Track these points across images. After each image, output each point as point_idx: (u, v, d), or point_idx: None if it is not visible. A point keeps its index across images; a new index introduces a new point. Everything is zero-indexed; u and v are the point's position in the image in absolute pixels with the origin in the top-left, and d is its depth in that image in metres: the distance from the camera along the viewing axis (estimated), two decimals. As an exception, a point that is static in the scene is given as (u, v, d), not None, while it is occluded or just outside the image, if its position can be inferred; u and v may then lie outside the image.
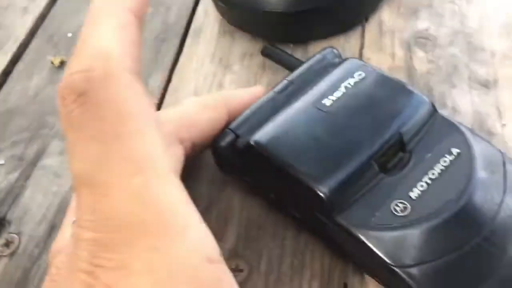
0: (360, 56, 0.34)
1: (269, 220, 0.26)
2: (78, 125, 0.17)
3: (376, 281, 0.24)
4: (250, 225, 0.26)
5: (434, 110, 0.26)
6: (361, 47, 0.34)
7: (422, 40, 0.34)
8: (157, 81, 0.34)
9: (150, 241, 0.16)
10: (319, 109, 0.25)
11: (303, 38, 0.34)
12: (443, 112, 0.28)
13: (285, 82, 0.28)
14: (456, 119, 0.27)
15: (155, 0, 0.40)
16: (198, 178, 0.28)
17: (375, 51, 0.34)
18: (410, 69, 0.32)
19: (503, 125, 0.29)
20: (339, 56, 0.30)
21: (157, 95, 0.34)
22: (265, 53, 0.34)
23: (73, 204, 0.24)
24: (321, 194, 0.22)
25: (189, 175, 0.28)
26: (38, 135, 0.33)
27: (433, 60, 0.33)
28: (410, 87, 0.26)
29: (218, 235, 0.25)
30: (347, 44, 0.35)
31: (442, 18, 0.35)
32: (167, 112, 0.27)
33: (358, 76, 0.27)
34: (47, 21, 0.40)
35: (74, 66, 0.17)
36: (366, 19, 0.36)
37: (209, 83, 0.34)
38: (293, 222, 0.26)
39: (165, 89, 0.34)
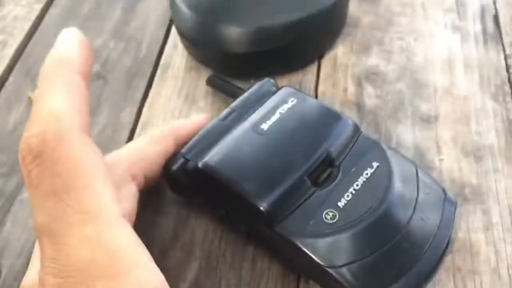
0: (316, 91, 0.37)
1: (228, 252, 0.29)
2: (36, 182, 0.19)
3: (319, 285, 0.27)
4: (211, 257, 0.29)
5: (357, 130, 0.29)
6: (317, 82, 0.37)
7: (373, 76, 0.37)
8: (128, 116, 0.37)
9: (105, 282, 0.19)
10: (258, 133, 0.29)
11: (263, 74, 0.37)
12: (388, 146, 0.31)
13: (228, 110, 0.31)
14: (399, 153, 0.30)
15: (127, 34, 0.43)
16: (163, 212, 0.31)
17: (329, 86, 0.37)
18: (360, 104, 0.35)
19: (441, 159, 0.32)
20: (276, 85, 0.33)
21: (128, 130, 0.36)
22: (210, 83, 0.37)
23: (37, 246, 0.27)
24: (261, 208, 0.26)
25: (155, 210, 0.31)
26: (17, 169, 0.35)
27: (381, 96, 0.36)
28: (336, 111, 0.30)
29: (182, 266, 0.28)
30: (304, 79, 0.38)
31: (391, 54, 0.38)
32: (120, 151, 0.30)
33: (291, 102, 0.30)
34: (24, 56, 0.42)
35: (31, 129, 0.20)
36: (322, 56, 0.39)
37: (176, 118, 0.36)
38: (249, 253, 0.29)
39: (135, 124, 0.36)
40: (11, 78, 0.41)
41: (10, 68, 0.41)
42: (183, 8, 0.37)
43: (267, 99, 0.31)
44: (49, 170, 0.19)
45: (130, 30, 0.43)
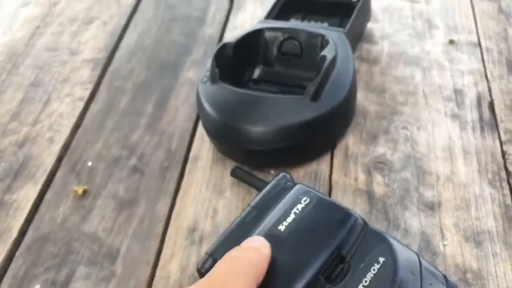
0: (330, 180, 0.41)
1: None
2: None
3: None
4: None
5: (365, 225, 0.32)
6: (330, 171, 0.42)
7: (380, 165, 0.41)
8: (163, 207, 0.42)
9: None
10: (276, 235, 0.32)
11: (282, 166, 0.42)
12: (396, 234, 0.35)
13: (248, 209, 0.35)
14: (406, 240, 0.34)
15: (160, 129, 0.48)
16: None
17: (342, 175, 0.41)
18: (370, 192, 0.39)
19: (445, 245, 0.35)
20: (291, 179, 0.37)
21: (163, 222, 0.41)
22: (234, 175, 0.41)
23: None
24: None
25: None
26: (67, 260, 0.39)
27: (389, 184, 0.40)
28: (346, 208, 0.33)
29: None
30: (319, 169, 0.42)
31: (397, 143, 0.42)
32: None
33: (304, 201, 0.34)
34: (70, 151, 0.48)
35: None
36: (335, 146, 0.43)
37: (206, 208, 0.41)
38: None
39: (169, 215, 0.41)
40: (59, 173, 0.46)
41: (57, 164, 0.47)
42: (208, 108, 0.42)
43: (284, 196, 0.35)
44: None
45: (162, 124, 0.48)
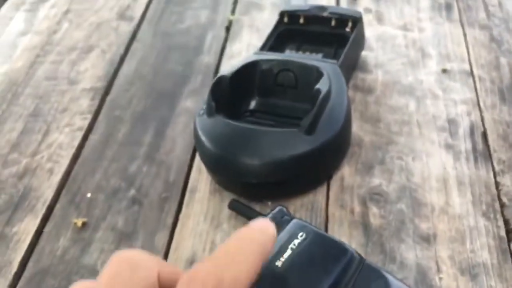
0: (327, 213, 0.41)
1: None
2: None
3: None
4: None
5: (361, 260, 0.33)
6: (327, 203, 0.42)
7: (376, 196, 0.42)
8: (162, 239, 0.42)
9: None
10: (274, 270, 0.33)
11: (279, 198, 0.42)
12: (392, 267, 0.35)
13: None
14: (403, 273, 0.34)
15: (158, 159, 0.48)
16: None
17: (338, 207, 0.42)
18: (366, 224, 0.40)
19: (440, 278, 0.36)
20: (288, 213, 0.37)
21: (162, 254, 0.41)
22: (231, 207, 0.42)
23: None
24: None
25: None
26: (67, 294, 0.40)
27: (384, 216, 0.40)
28: (342, 243, 0.33)
29: None
30: (315, 200, 0.42)
31: (392, 174, 0.43)
32: None
33: (301, 237, 0.34)
34: (69, 182, 0.48)
35: (212, 272, 0.24)
36: (331, 177, 0.44)
37: (203, 241, 0.41)
38: None
39: (168, 248, 0.41)
40: (58, 205, 0.46)
41: (57, 196, 0.47)
42: (205, 141, 0.43)
43: (281, 231, 0.35)
44: None
45: (160, 154, 0.49)
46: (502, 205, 0.40)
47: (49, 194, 0.47)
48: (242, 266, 0.25)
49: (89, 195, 0.47)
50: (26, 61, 0.63)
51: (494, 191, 0.40)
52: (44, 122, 0.55)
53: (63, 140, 0.52)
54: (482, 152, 0.43)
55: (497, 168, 0.42)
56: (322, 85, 0.42)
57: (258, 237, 0.28)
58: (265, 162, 0.40)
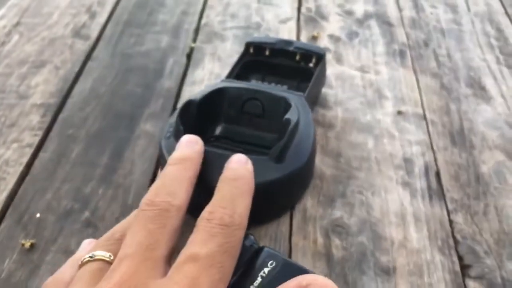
0: (290, 243, 0.41)
1: None
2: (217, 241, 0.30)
3: None
4: None
5: None
6: (290, 233, 0.42)
7: (338, 228, 0.42)
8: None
9: None
10: None
11: (243, 226, 0.42)
12: (355, 299, 0.36)
13: None
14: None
15: (115, 181, 0.47)
16: None
17: (301, 238, 0.42)
18: (328, 255, 0.40)
19: (401, 311, 0.37)
20: (255, 241, 0.37)
21: (119, 280, 0.39)
22: None
23: None
24: None
25: None
26: (11, 321, 0.37)
27: (346, 247, 0.41)
28: (310, 271, 0.34)
29: None
30: (278, 230, 0.42)
31: (353, 207, 0.44)
32: None
33: (270, 265, 0.34)
34: (16, 201, 0.45)
35: (225, 204, 0.32)
36: (293, 208, 0.44)
37: (164, 267, 0.40)
38: None
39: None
40: (3, 224, 0.43)
41: (2, 215, 0.44)
42: (167, 159, 0.42)
43: (249, 257, 0.35)
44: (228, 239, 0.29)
45: (117, 176, 0.47)
46: (456, 242, 0.41)
47: (-8, 212, 0.44)
48: (243, 202, 0.32)
49: (38, 215, 0.44)
50: (-30, 70, 0.60)
51: (448, 228, 0.42)
52: (-11, 136, 0.51)
53: (10, 156, 0.49)
54: (436, 191, 0.45)
55: (450, 207, 0.44)
56: (291, 115, 0.43)
57: (245, 175, 0.35)
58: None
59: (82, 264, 0.30)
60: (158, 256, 0.29)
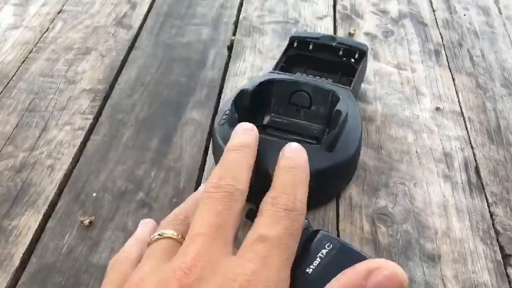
0: (337, 228, 0.43)
1: None
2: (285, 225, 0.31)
3: None
4: None
5: None
6: (337, 219, 0.44)
7: (383, 216, 0.44)
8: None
9: None
10: (304, 276, 0.34)
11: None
12: (403, 282, 0.37)
13: None
14: (413, 289, 0.37)
15: (166, 165, 0.48)
16: None
17: (348, 223, 0.44)
18: (375, 242, 0.42)
19: (447, 295, 0.39)
20: (309, 224, 0.39)
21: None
22: (249, 216, 0.42)
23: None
24: None
25: None
26: (77, 291, 0.39)
27: (392, 235, 0.43)
28: (365, 254, 0.35)
29: None
30: (326, 216, 0.44)
31: (397, 197, 0.46)
32: None
33: (328, 247, 0.36)
34: (72, 180, 0.47)
35: (288, 192, 0.33)
36: (339, 195, 0.46)
37: (218, 247, 0.42)
38: None
39: (182, 252, 0.41)
40: (61, 202, 0.45)
41: (59, 193, 0.46)
42: (222, 145, 0.44)
43: (304, 239, 0.37)
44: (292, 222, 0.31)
45: (168, 161, 0.49)
46: (497, 233, 0.43)
47: (50, 190, 0.46)
48: (302, 189, 0.33)
49: (94, 194, 0.46)
50: (18, 55, 0.62)
51: (489, 219, 0.44)
52: (41, 118, 0.53)
53: (63, 138, 0.51)
54: (476, 184, 0.47)
55: (490, 200, 0.46)
56: (341, 107, 0.44)
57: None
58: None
59: (151, 242, 0.31)
60: (227, 235, 0.30)
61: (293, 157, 0.37)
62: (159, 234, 0.31)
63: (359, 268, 0.29)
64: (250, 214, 0.43)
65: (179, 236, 0.31)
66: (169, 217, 0.34)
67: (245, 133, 0.39)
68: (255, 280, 0.27)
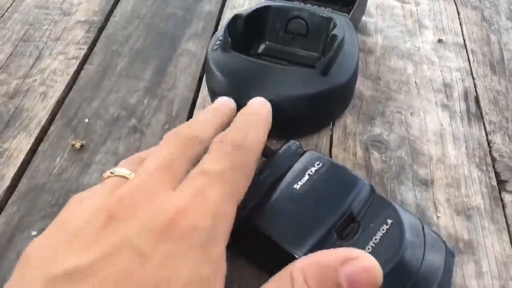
0: (330, 153, 0.43)
1: None
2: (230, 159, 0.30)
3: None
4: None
5: (373, 191, 0.34)
6: (330, 146, 0.43)
7: (377, 143, 0.43)
8: (165, 166, 0.42)
9: None
10: (292, 192, 0.34)
11: (283, 137, 0.43)
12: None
13: (263, 167, 0.36)
14: (403, 211, 0.36)
15: (159, 94, 0.48)
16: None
17: (341, 150, 0.43)
18: (368, 167, 0.42)
19: (438, 217, 0.38)
20: (300, 147, 0.38)
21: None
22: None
23: None
24: (296, 256, 0.30)
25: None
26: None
27: (385, 161, 0.42)
28: (356, 174, 0.35)
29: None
30: (319, 142, 0.44)
31: (392, 125, 0.45)
32: None
33: (317, 165, 0.36)
34: (64, 107, 0.47)
35: (239, 132, 0.32)
36: (333, 123, 0.45)
37: (209, 171, 0.41)
38: None
39: (172, 174, 0.41)
40: (53, 127, 0.45)
41: (51, 118, 0.46)
42: (218, 75, 0.43)
43: (296, 160, 0.36)
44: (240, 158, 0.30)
45: (161, 90, 0.48)
46: (493, 160, 0.42)
47: (43, 115, 0.46)
48: (256, 131, 0.33)
49: (86, 120, 0.46)
50: (14, -12, 0.61)
51: (486, 147, 0.43)
52: (35, 48, 0.53)
53: (57, 66, 0.51)
54: (475, 113, 0.46)
55: (488, 128, 0.45)
56: (337, 32, 0.43)
57: (261, 112, 0.36)
58: (281, 98, 0.40)
59: (103, 180, 0.31)
60: (174, 174, 0.29)
61: (255, 105, 0.36)
62: (110, 172, 0.30)
63: (338, 253, 0.26)
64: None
65: (132, 176, 0.30)
66: (131, 157, 0.33)
67: (222, 104, 0.38)
68: (186, 210, 0.26)
